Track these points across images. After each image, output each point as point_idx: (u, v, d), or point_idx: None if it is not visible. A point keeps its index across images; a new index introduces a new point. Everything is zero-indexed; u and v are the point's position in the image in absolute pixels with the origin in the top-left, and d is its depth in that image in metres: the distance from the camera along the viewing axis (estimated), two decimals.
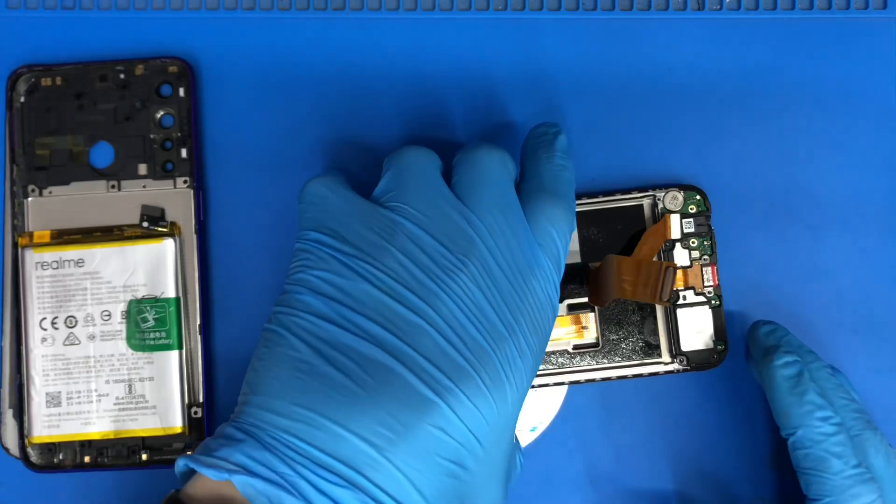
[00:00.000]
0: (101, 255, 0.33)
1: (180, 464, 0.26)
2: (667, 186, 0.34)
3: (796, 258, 0.34)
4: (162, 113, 0.34)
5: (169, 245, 0.33)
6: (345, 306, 0.26)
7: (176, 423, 0.33)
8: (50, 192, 0.34)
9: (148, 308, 0.33)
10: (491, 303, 0.27)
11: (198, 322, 0.34)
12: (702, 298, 0.33)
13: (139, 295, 0.33)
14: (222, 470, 0.24)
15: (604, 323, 0.33)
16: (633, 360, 0.33)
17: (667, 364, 0.33)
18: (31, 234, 0.34)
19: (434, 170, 0.29)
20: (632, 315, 0.34)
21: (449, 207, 0.28)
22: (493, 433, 0.26)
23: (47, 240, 0.34)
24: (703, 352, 0.33)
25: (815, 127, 0.34)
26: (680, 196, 0.33)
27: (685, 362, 0.33)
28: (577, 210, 0.33)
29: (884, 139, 0.34)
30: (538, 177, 0.30)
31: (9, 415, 0.34)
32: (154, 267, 0.33)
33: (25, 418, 0.33)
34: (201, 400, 0.33)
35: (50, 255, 0.33)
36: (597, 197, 0.34)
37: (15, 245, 0.34)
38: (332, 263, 0.27)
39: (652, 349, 0.33)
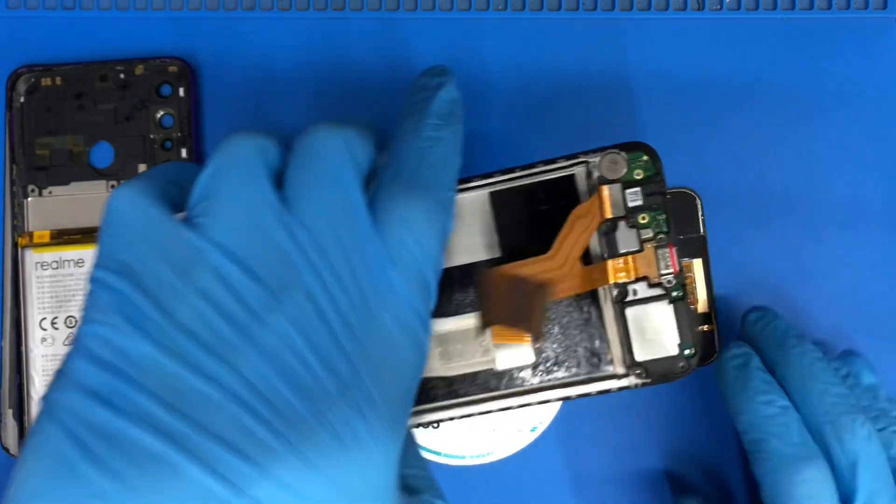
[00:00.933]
0: None
1: None
2: (603, 149, 0.26)
3: (796, 258, 0.34)
4: (162, 113, 0.34)
5: None
6: (121, 377, 0.20)
7: None
8: (50, 192, 0.34)
9: None
10: (317, 350, 0.20)
11: None
12: (658, 291, 0.26)
13: None
14: None
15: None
16: (579, 375, 0.27)
17: (620, 378, 0.26)
18: (30, 234, 0.34)
19: (258, 165, 0.22)
20: (573, 316, 0.27)
21: (271, 220, 0.21)
22: None
23: (47, 240, 0.34)
24: (664, 360, 0.26)
25: (814, 127, 0.34)
26: (621, 159, 0.26)
27: (644, 375, 0.26)
28: (492, 189, 0.27)
29: (884, 139, 0.34)
30: (396, 160, 0.24)
31: (9, 415, 0.34)
32: None
33: (25, 418, 0.33)
34: None
35: (50, 255, 0.33)
36: (513, 171, 0.27)
37: (15, 245, 0.34)
38: (112, 315, 0.20)
39: (602, 360, 0.27)
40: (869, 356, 0.34)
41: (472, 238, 0.27)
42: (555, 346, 0.27)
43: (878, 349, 0.34)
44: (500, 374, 0.27)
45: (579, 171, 0.27)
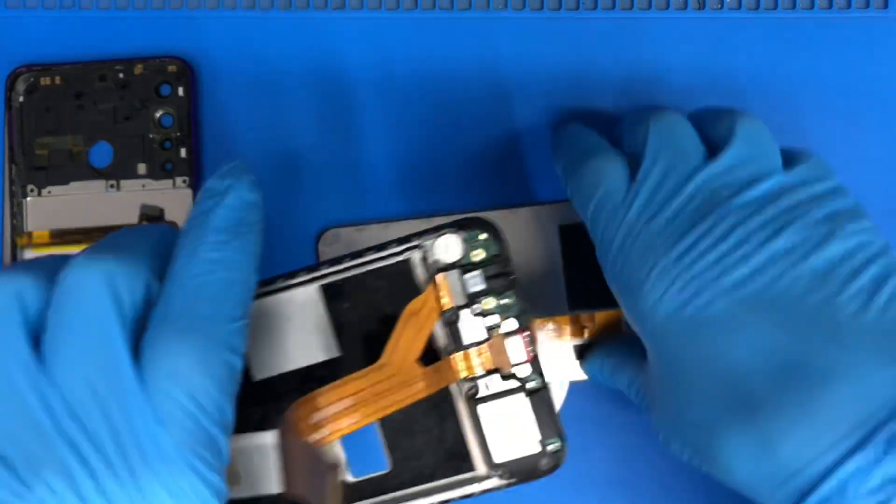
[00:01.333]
0: None
1: None
2: (437, 229, 0.24)
3: None
4: (161, 112, 0.34)
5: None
6: None
7: None
8: (49, 192, 0.34)
9: None
10: None
11: None
12: (513, 384, 0.24)
13: None
14: None
15: (391, 434, 0.24)
16: (439, 479, 0.24)
17: (482, 481, 0.24)
18: (30, 234, 0.34)
19: (13, 316, 0.20)
20: (426, 417, 0.24)
21: (23, 384, 0.19)
22: None
23: (46, 240, 0.34)
24: (527, 459, 0.24)
25: (815, 127, 0.34)
26: (456, 240, 0.23)
27: (507, 475, 0.24)
28: (322, 282, 0.24)
29: (884, 139, 0.34)
30: (168, 292, 0.21)
31: None
32: None
33: None
34: None
35: (49, 255, 0.33)
36: (342, 262, 0.24)
37: (14, 245, 0.34)
38: None
39: (461, 461, 0.24)
40: None
41: (305, 338, 0.25)
42: (411, 449, 0.24)
43: None
44: (352, 486, 0.24)
45: (414, 257, 0.24)
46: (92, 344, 0.20)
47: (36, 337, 0.20)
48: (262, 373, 0.25)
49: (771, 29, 0.35)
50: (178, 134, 0.34)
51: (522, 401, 0.24)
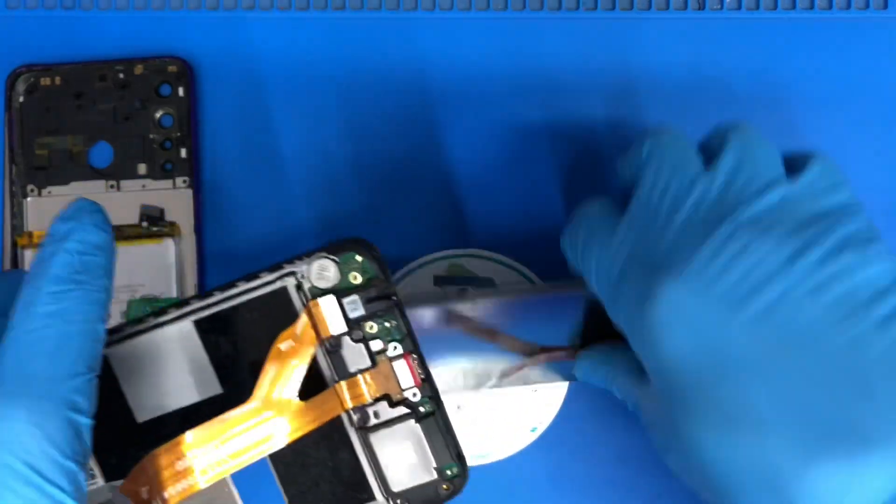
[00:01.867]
0: None
1: None
2: (309, 253, 0.23)
3: None
4: (161, 113, 0.34)
5: (168, 245, 0.33)
6: None
7: None
8: (49, 192, 0.34)
9: (147, 308, 0.33)
10: None
11: None
12: (403, 410, 0.23)
13: (138, 295, 0.33)
14: None
15: (283, 469, 0.24)
16: None
17: None
18: (30, 234, 0.34)
19: None
20: (317, 449, 0.23)
21: None
22: None
23: None
24: (425, 487, 0.23)
25: (815, 126, 0.34)
26: (331, 265, 0.22)
27: (403, 502, 0.23)
28: (195, 318, 0.23)
29: (885, 139, 0.34)
30: (2, 350, 0.20)
31: None
32: (153, 267, 0.33)
33: None
34: None
35: None
36: (212, 295, 0.23)
37: (14, 245, 0.34)
38: None
39: (360, 492, 0.23)
40: None
41: (184, 376, 0.24)
42: (307, 483, 0.23)
43: None
44: None
45: (290, 283, 0.23)
46: None
47: None
48: (144, 415, 0.24)
49: (771, 29, 0.35)
50: (178, 134, 0.34)
51: (413, 427, 0.23)
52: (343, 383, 0.23)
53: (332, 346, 0.23)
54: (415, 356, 0.23)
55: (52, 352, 0.20)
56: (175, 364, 0.24)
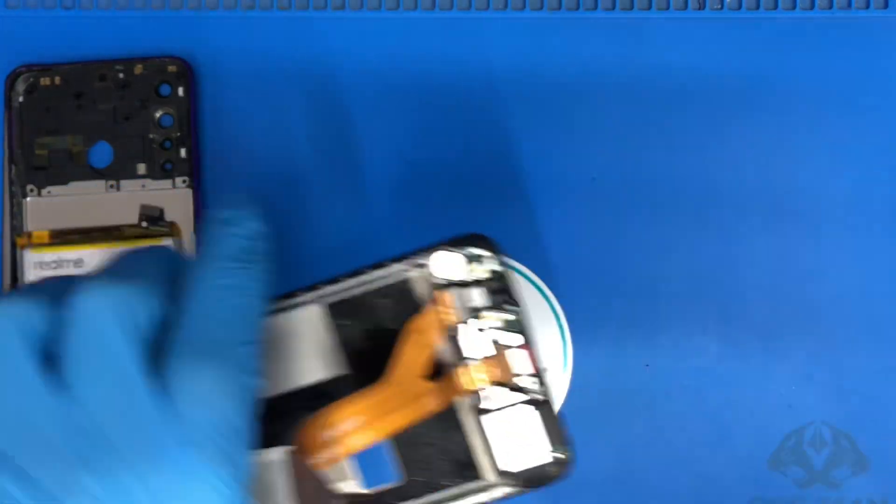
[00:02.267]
0: (100, 256, 0.33)
1: None
2: (437, 246, 0.24)
3: (796, 258, 0.34)
4: (161, 113, 0.34)
5: (168, 245, 0.33)
6: None
7: None
8: (49, 192, 0.34)
9: None
10: None
11: None
12: (521, 396, 0.24)
13: None
14: None
15: (399, 447, 0.25)
16: (449, 487, 0.24)
17: (493, 487, 0.24)
18: (29, 235, 0.34)
19: (18, 347, 0.20)
20: (430, 429, 0.24)
21: (38, 413, 0.19)
22: None
23: (46, 240, 0.34)
24: (537, 469, 0.24)
25: (815, 127, 0.34)
26: (455, 256, 0.24)
27: (516, 482, 0.24)
28: (328, 301, 0.25)
29: (885, 139, 0.34)
30: (184, 318, 0.21)
31: None
32: None
33: None
34: None
35: (49, 255, 0.33)
36: (339, 280, 0.25)
37: (13, 245, 0.34)
38: None
39: (470, 470, 0.24)
40: (870, 356, 0.34)
41: (311, 356, 0.25)
42: (420, 460, 0.25)
43: (880, 349, 0.34)
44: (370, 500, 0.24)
45: (415, 274, 0.24)
46: (108, 372, 0.20)
47: (46, 360, 0.20)
48: (269, 391, 0.25)
49: (771, 29, 0.35)
50: (178, 134, 0.34)
51: (530, 412, 0.24)
52: (467, 368, 0.24)
53: (453, 334, 0.24)
54: (532, 347, 0.24)
55: (230, 320, 0.21)
56: (302, 344, 0.25)
